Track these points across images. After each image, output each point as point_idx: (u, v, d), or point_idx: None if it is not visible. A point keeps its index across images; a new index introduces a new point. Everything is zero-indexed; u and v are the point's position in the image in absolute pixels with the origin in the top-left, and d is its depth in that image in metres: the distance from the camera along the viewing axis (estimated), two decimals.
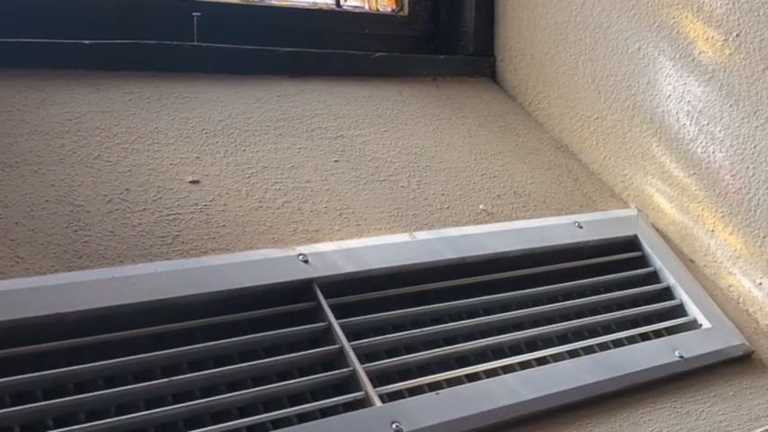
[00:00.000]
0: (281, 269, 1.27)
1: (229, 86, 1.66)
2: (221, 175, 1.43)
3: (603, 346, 1.44)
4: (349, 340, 1.23)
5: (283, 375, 1.19)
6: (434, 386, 1.25)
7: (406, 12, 2.06)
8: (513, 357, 1.35)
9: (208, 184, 1.40)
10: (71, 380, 1.06)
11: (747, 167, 1.58)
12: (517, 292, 1.46)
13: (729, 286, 1.65)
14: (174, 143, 1.46)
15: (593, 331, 1.48)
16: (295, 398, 1.17)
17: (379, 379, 1.23)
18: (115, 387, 1.06)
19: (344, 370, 1.20)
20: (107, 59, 1.56)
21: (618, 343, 1.46)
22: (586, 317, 1.49)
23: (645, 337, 1.50)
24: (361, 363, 1.21)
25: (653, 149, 1.74)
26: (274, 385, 1.15)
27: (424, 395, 1.22)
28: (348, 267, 1.32)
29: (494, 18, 2.07)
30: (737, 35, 1.57)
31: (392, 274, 1.37)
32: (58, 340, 1.07)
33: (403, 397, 1.21)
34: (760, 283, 1.60)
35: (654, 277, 1.63)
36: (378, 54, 1.91)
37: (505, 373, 1.32)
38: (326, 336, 1.24)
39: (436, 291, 1.41)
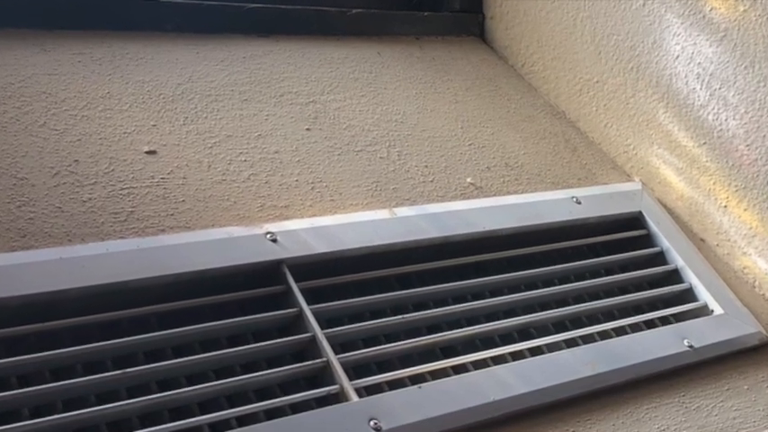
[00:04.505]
0: (247, 249, 1.27)
1: (189, 47, 1.65)
2: (180, 144, 1.43)
3: (604, 335, 1.45)
4: (322, 328, 1.23)
5: (249, 367, 1.19)
6: (417, 379, 1.26)
7: None
8: (504, 347, 1.36)
9: (165, 155, 1.40)
10: (13, 372, 1.06)
11: (764, 136, 1.59)
12: (508, 275, 1.47)
13: (744, 268, 1.66)
14: (128, 109, 1.45)
15: (592, 318, 1.49)
16: (262, 392, 1.17)
17: (355, 371, 1.23)
18: (63, 380, 1.06)
19: (317, 361, 1.20)
20: (53, 17, 1.55)
21: (620, 331, 1.47)
22: (585, 302, 1.50)
23: (650, 324, 1.51)
24: (336, 353, 1.21)
25: (659, 116, 1.74)
26: (239, 378, 1.15)
27: (406, 389, 1.22)
28: (321, 247, 1.32)
29: None
30: None
31: (370, 254, 1.37)
32: None
33: (382, 391, 1.22)
34: None
35: (660, 258, 1.64)
36: (354, 11, 1.91)
37: (496, 364, 1.32)
38: (297, 323, 1.24)
39: (419, 273, 1.41)
